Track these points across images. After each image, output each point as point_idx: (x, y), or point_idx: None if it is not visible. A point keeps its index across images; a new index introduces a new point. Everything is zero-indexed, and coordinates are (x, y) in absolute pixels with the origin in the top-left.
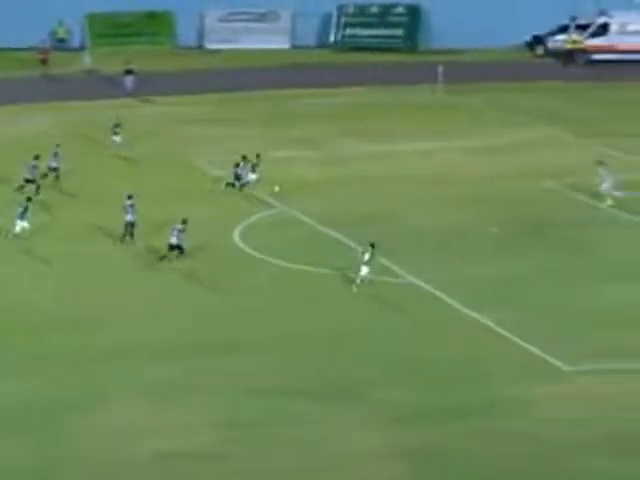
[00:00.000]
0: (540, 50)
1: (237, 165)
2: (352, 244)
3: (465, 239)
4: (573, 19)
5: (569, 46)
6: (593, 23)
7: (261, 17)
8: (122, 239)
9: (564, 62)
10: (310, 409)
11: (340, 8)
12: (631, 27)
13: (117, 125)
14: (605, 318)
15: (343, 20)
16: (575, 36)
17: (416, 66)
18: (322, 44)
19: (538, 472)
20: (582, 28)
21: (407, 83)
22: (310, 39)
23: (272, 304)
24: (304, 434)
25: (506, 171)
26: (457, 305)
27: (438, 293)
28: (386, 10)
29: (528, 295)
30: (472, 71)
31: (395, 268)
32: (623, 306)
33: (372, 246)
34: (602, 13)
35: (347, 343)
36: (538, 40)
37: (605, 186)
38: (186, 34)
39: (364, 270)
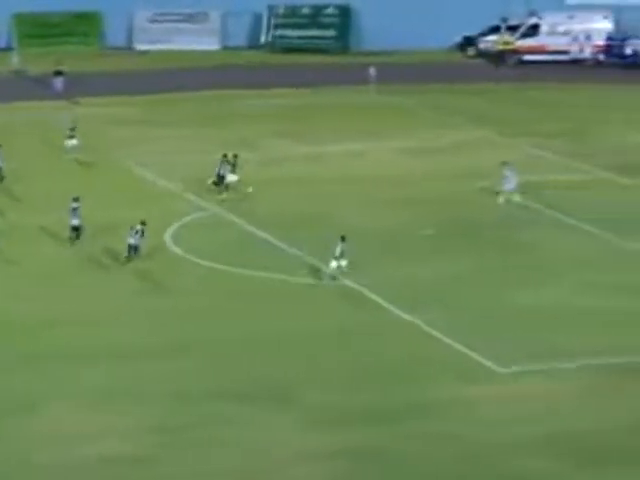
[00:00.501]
0: (472, 51)
1: (223, 163)
2: (284, 246)
3: (399, 240)
4: (504, 20)
5: (500, 47)
6: (524, 24)
7: (190, 18)
8: (70, 242)
9: (496, 63)
10: (242, 411)
11: (270, 9)
12: (561, 28)
13: (73, 129)
14: (538, 319)
15: (274, 21)
16: (506, 37)
17: (348, 67)
18: (253, 45)
19: (475, 474)
20: (513, 29)
21: (339, 84)
22: (240, 40)
23: (202, 306)
24: (237, 436)
25: (439, 172)
26: (391, 307)
27: (373, 295)
28: (317, 11)
29: (462, 296)
30: (404, 72)
31: (329, 270)
32: (555, 306)
33: (342, 239)
34: (532, 14)
35: (279, 345)
36: (469, 41)
37: (508, 186)
38: (115, 35)
39: (334, 263)
